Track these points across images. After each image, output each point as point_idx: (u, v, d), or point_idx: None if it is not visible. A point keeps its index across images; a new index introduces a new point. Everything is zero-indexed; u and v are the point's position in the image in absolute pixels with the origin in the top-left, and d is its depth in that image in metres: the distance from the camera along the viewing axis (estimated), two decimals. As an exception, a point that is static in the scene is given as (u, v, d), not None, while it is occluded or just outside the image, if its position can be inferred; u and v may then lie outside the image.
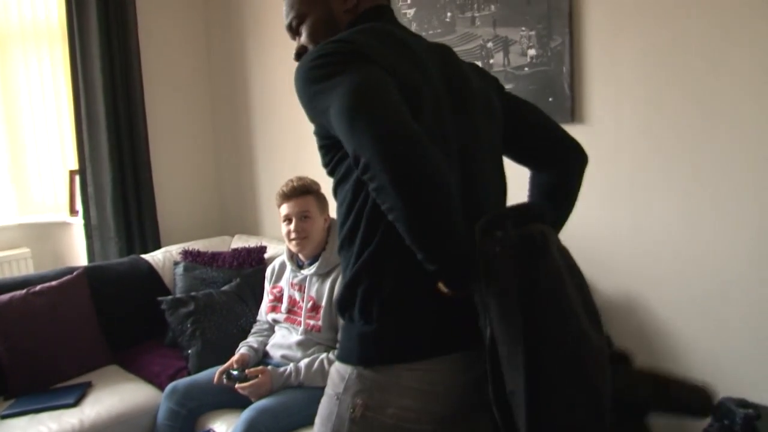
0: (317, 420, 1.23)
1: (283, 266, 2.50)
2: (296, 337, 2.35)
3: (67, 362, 2.59)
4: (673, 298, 2.09)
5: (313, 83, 1.05)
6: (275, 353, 2.40)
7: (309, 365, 2.25)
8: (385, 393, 1.11)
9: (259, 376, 2.21)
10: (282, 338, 2.41)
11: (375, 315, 1.11)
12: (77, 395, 2.41)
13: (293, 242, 2.34)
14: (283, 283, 2.46)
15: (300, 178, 2.37)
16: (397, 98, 0.99)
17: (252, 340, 2.50)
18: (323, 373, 2.23)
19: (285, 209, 2.34)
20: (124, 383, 2.54)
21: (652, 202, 2.09)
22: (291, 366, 2.26)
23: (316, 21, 1.25)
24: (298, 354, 2.33)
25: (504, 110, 1.31)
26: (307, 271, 2.35)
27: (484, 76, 1.33)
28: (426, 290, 1.07)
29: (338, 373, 1.18)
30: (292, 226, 2.32)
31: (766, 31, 1.81)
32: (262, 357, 2.46)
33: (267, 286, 2.54)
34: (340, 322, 1.20)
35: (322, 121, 1.07)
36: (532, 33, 2.24)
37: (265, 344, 2.48)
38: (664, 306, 2.12)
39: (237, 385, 2.21)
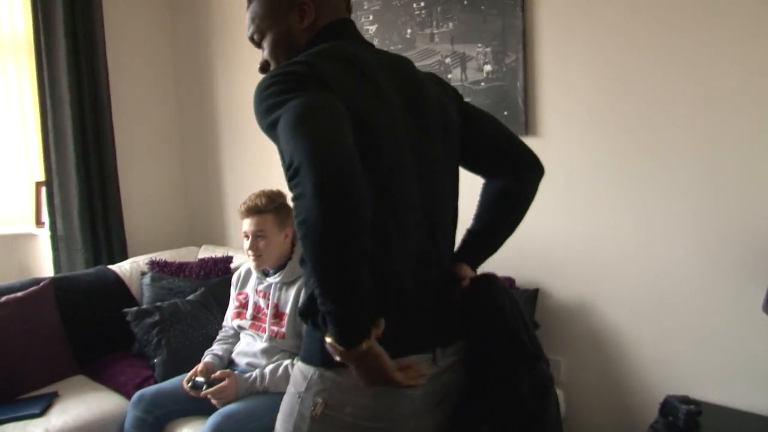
0: (279, 417, 1.29)
1: (248, 273, 2.54)
2: (261, 344, 2.40)
3: (32, 373, 2.59)
4: (623, 304, 2.20)
5: (267, 98, 1.08)
6: (240, 360, 2.44)
7: (273, 371, 2.30)
8: (344, 393, 1.17)
9: (225, 380, 2.25)
10: (247, 345, 2.46)
11: None
12: (43, 405, 2.41)
13: (250, 258, 2.40)
14: (249, 289, 2.51)
15: (260, 195, 2.39)
16: (342, 121, 1.02)
17: (216, 347, 2.53)
18: (287, 378, 2.27)
19: (244, 225, 2.40)
20: (90, 393, 2.55)
21: (602, 211, 2.20)
22: (256, 372, 2.31)
23: (276, 38, 1.29)
24: (263, 361, 2.37)
25: (462, 120, 1.35)
26: (273, 279, 2.40)
27: (441, 85, 1.37)
28: (385, 297, 1.14)
29: (301, 372, 1.24)
30: (247, 244, 2.38)
31: (707, 51, 1.94)
32: (227, 364, 2.50)
33: (233, 292, 2.58)
34: (304, 326, 1.25)
35: (271, 135, 1.09)
36: (488, 50, 2.34)
37: (230, 351, 2.52)
38: (614, 311, 2.22)
39: (203, 392, 2.25)
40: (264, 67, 1.32)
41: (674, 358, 2.10)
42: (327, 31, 1.27)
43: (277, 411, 2.29)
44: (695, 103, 1.97)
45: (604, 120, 2.16)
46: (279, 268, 2.40)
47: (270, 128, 1.08)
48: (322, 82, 1.08)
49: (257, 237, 2.35)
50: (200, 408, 2.33)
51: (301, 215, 0.95)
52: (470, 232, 1.43)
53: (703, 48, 1.93)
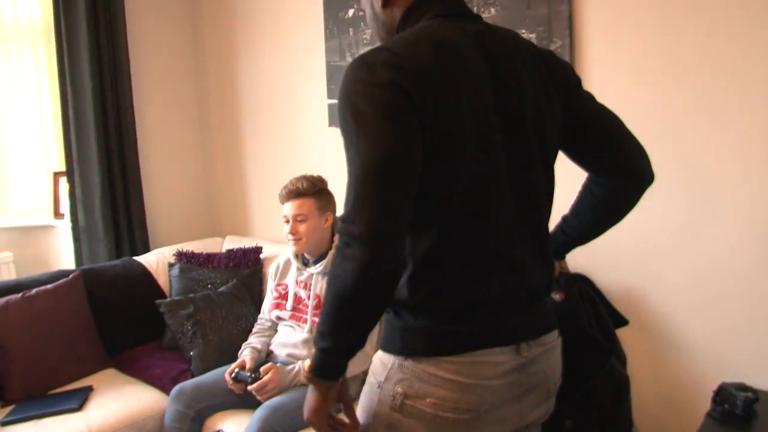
0: (359, 407, 1.28)
1: (288, 263, 2.51)
2: (301, 335, 2.37)
3: (65, 366, 2.55)
4: (672, 290, 2.18)
5: (347, 111, 1.08)
6: (280, 352, 2.42)
7: None
8: (425, 383, 1.16)
9: (269, 374, 2.22)
10: (287, 336, 2.43)
11: (418, 311, 1.17)
12: (80, 399, 2.38)
13: (290, 242, 2.37)
14: (289, 280, 2.48)
15: (302, 178, 2.37)
16: (409, 178, 1.06)
17: (254, 340, 2.50)
18: None
19: (284, 209, 2.37)
20: (125, 386, 2.52)
21: (654, 199, 2.18)
22: (299, 364, 2.28)
23: (368, 18, 1.30)
24: (304, 352, 2.35)
25: (577, 111, 1.30)
26: (313, 269, 2.37)
27: (552, 71, 1.27)
28: (466, 288, 1.16)
29: (381, 361, 1.23)
30: (288, 228, 2.35)
31: (766, 39, 1.92)
32: (266, 356, 2.47)
33: (270, 283, 2.55)
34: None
35: (344, 136, 1.10)
36: (533, 35, 2.30)
37: (268, 344, 2.49)
38: (662, 298, 2.21)
39: (248, 387, 2.22)
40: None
41: (727, 345, 2.09)
42: (418, 8, 1.21)
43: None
44: (751, 92, 1.95)
45: (653, 107, 2.14)
46: (320, 258, 2.37)
47: (345, 148, 1.10)
48: (403, 96, 1.06)
49: (298, 220, 2.33)
50: (241, 401, 2.31)
51: (340, 273, 1.06)
52: (566, 227, 1.44)
53: (763, 36, 1.91)
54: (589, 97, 1.36)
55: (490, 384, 1.18)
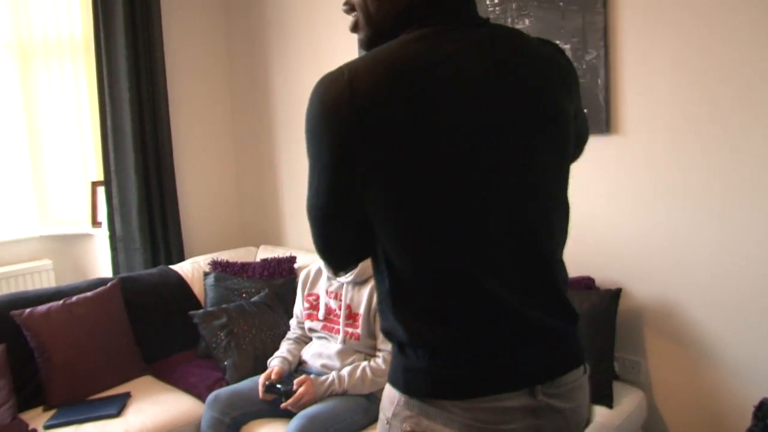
0: None
1: (318, 273, 2.53)
2: (336, 345, 2.38)
3: (104, 373, 2.60)
4: (709, 303, 2.15)
5: (307, 137, 1.05)
6: (315, 362, 2.43)
7: (351, 373, 2.28)
8: (432, 421, 1.09)
9: (303, 386, 2.24)
10: (321, 347, 2.44)
11: (418, 349, 1.10)
12: (119, 405, 2.42)
13: None
14: (320, 290, 2.49)
15: None
16: (335, 225, 1.10)
17: (284, 350, 2.52)
18: (364, 380, 2.27)
19: None
20: (162, 393, 2.56)
21: (685, 210, 2.16)
22: (333, 374, 2.30)
23: (357, 20, 1.14)
24: (338, 363, 2.36)
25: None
26: (344, 279, 2.39)
27: (557, 68, 1.13)
28: (463, 326, 1.07)
29: (388, 397, 1.17)
30: None
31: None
32: (297, 365, 2.49)
33: (300, 293, 2.56)
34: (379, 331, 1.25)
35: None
36: (567, 46, 2.30)
37: (298, 352, 2.51)
38: (700, 310, 2.18)
39: (282, 404, 2.24)
40: (353, 28, 1.16)
41: (766, 358, 2.06)
42: (414, 14, 1.05)
43: (357, 412, 2.29)
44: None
45: (689, 118, 2.12)
46: None
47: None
48: (354, 138, 0.98)
49: None
50: (276, 410, 2.32)
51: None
52: None
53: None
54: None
55: (503, 429, 1.09)
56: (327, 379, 2.29)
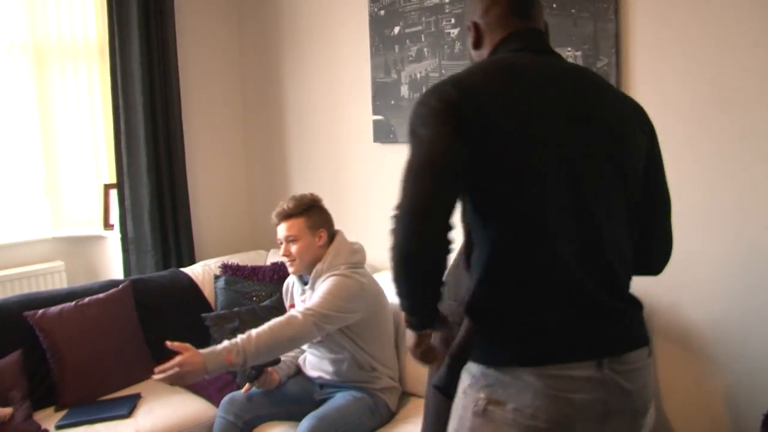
0: (452, 412, 1.35)
1: (293, 285, 2.52)
2: (327, 354, 2.36)
3: (115, 374, 2.62)
4: (717, 310, 2.14)
5: (414, 117, 1.24)
6: (311, 373, 2.44)
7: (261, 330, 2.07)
8: (506, 390, 1.22)
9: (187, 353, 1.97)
10: (312, 356, 2.44)
11: (497, 323, 1.26)
12: (129, 406, 2.44)
13: (287, 264, 2.38)
14: (296, 300, 2.48)
15: (289, 200, 2.37)
16: (445, 181, 1.19)
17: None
18: (273, 328, 2.08)
19: (277, 233, 2.38)
20: (172, 395, 2.57)
21: (697, 215, 2.16)
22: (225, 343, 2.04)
23: (469, 45, 1.43)
24: (332, 368, 2.35)
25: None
26: (309, 288, 2.36)
27: (637, 114, 1.39)
28: (551, 300, 1.23)
29: (467, 370, 1.31)
30: (281, 251, 2.36)
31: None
32: (295, 371, 2.49)
33: (286, 304, 2.57)
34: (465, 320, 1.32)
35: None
36: (578, 53, 2.31)
37: (294, 359, 2.50)
38: (707, 317, 2.17)
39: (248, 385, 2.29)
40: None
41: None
42: (500, 48, 1.36)
43: (363, 413, 2.30)
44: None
45: (701, 125, 2.12)
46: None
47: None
48: (459, 113, 1.20)
49: (289, 242, 2.32)
50: (289, 414, 2.33)
51: (391, 245, 1.20)
52: None
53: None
54: (660, 168, 1.46)
55: (571, 397, 1.21)
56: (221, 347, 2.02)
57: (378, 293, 2.39)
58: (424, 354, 1.38)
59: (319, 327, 2.14)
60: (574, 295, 1.24)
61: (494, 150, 1.21)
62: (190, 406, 2.50)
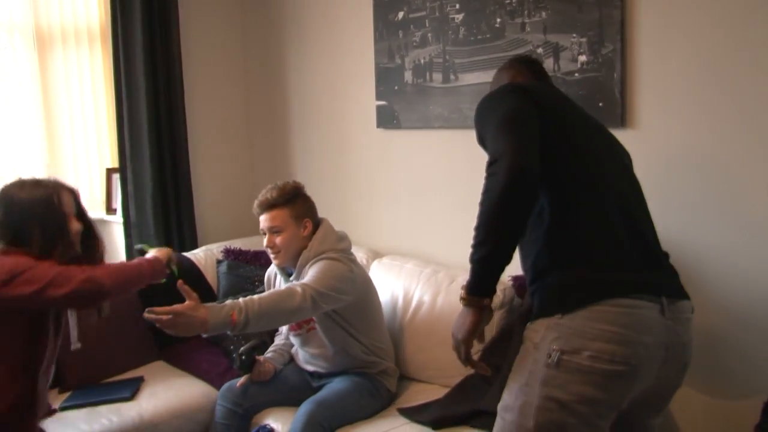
0: (513, 368, 1.41)
1: (275, 275, 2.48)
2: (316, 347, 2.36)
3: (117, 357, 2.64)
4: (719, 301, 2.14)
5: (487, 102, 1.53)
6: (304, 366, 2.45)
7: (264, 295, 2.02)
8: (581, 338, 1.31)
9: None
10: (300, 347, 2.43)
11: (566, 269, 1.39)
12: (132, 389, 2.46)
13: (271, 256, 2.32)
14: None
15: (271, 188, 2.29)
16: (533, 127, 1.42)
17: (274, 347, 2.52)
18: (281, 294, 2.03)
19: (260, 222, 2.31)
20: (175, 379, 2.59)
21: (701, 207, 2.15)
22: (229, 301, 2.01)
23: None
24: (322, 362, 2.36)
25: None
26: (295, 279, 2.31)
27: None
28: (603, 246, 1.41)
29: (534, 327, 1.40)
30: (265, 241, 2.28)
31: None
32: (289, 360, 2.50)
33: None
34: (529, 290, 1.46)
35: (483, 132, 1.49)
36: (583, 40, 2.30)
37: (287, 348, 2.52)
38: (709, 308, 2.16)
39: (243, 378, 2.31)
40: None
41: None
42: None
43: (363, 396, 2.29)
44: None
45: (706, 114, 2.11)
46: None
47: (484, 126, 1.49)
48: (525, 90, 1.52)
49: (273, 233, 2.24)
50: (288, 400, 2.34)
51: (488, 187, 1.33)
52: None
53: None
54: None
55: (643, 340, 1.32)
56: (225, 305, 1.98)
57: (366, 279, 2.38)
58: (481, 336, 1.40)
59: (316, 304, 2.05)
60: (636, 239, 1.43)
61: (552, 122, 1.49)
62: (191, 389, 2.52)
